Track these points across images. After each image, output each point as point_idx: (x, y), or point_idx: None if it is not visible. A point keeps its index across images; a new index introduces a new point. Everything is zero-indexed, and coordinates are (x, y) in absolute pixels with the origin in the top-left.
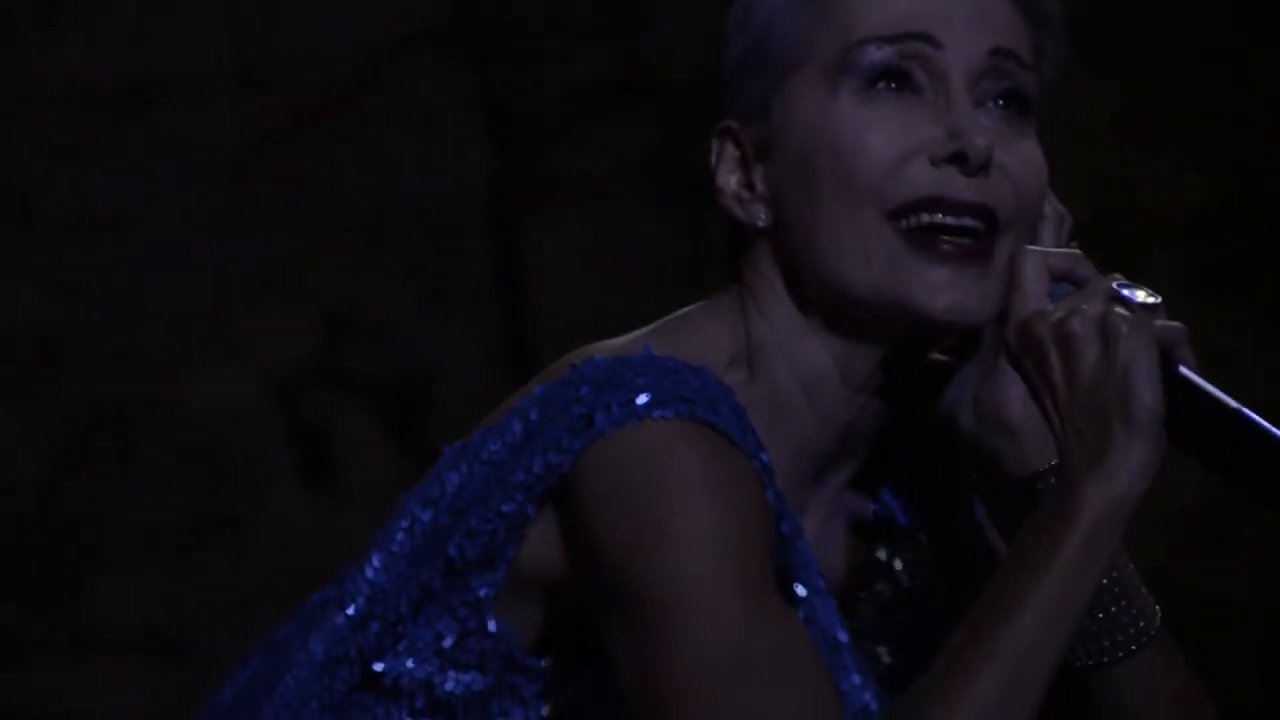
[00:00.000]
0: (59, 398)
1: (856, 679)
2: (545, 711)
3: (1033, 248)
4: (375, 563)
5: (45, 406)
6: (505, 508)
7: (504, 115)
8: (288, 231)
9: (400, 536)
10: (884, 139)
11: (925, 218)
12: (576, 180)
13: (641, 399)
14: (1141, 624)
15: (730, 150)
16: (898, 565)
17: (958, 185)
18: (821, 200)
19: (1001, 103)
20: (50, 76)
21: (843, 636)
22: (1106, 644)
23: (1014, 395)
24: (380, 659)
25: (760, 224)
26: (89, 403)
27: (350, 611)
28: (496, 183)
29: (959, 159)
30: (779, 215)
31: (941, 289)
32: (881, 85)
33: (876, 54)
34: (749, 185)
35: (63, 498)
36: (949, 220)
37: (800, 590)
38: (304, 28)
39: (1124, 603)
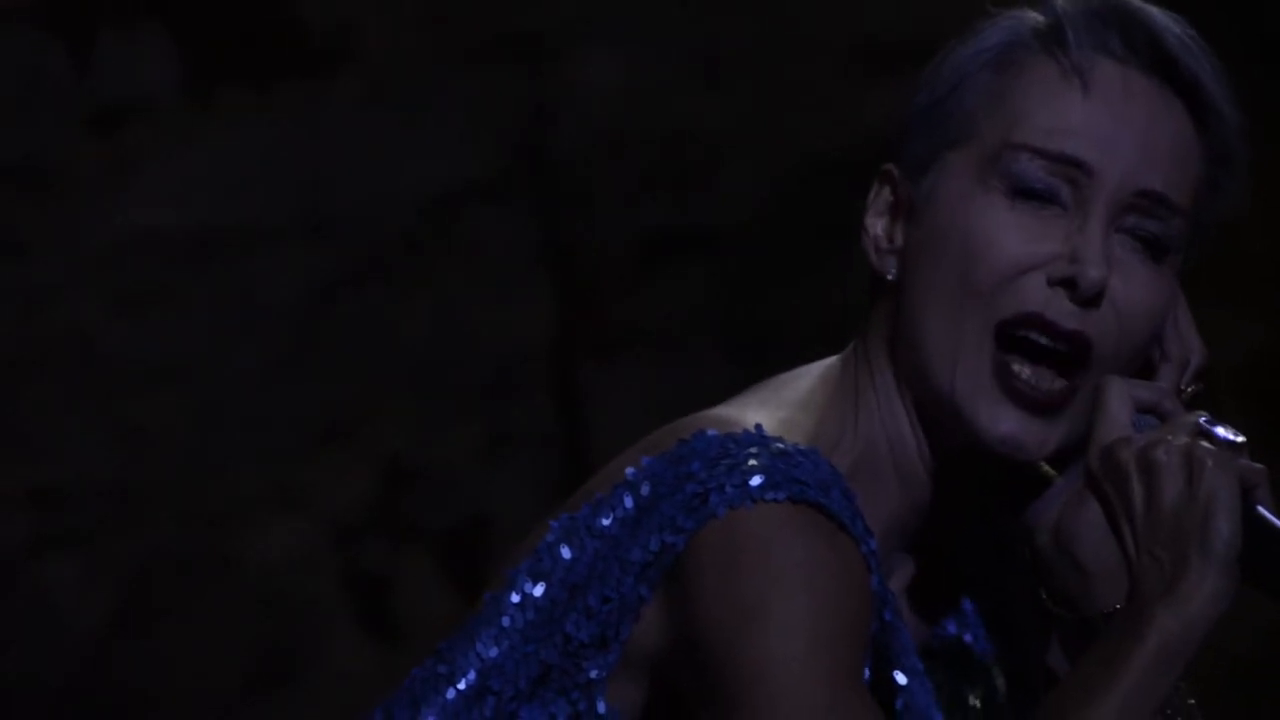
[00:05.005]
0: (120, 545)
1: None
2: None
3: (1118, 377)
4: (485, 636)
5: (106, 554)
6: (623, 587)
7: (566, 264)
8: (350, 379)
9: (512, 611)
10: (1012, 246)
11: (1021, 333)
12: (638, 329)
13: (755, 480)
14: None
15: (885, 195)
16: (967, 638)
17: (1062, 310)
18: (939, 285)
19: (1137, 243)
20: (117, 226)
21: (938, 718)
22: None
23: (1091, 533)
24: None
25: (890, 277)
26: (150, 551)
27: (461, 686)
28: (558, 330)
29: (1070, 284)
30: (905, 278)
31: (1006, 419)
32: (1026, 196)
33: (1029, 167)
34: (890, 236)
35: (123, 646)
36: (1042, 340)
37: (901, 679)
38: (368, 177)
39: None
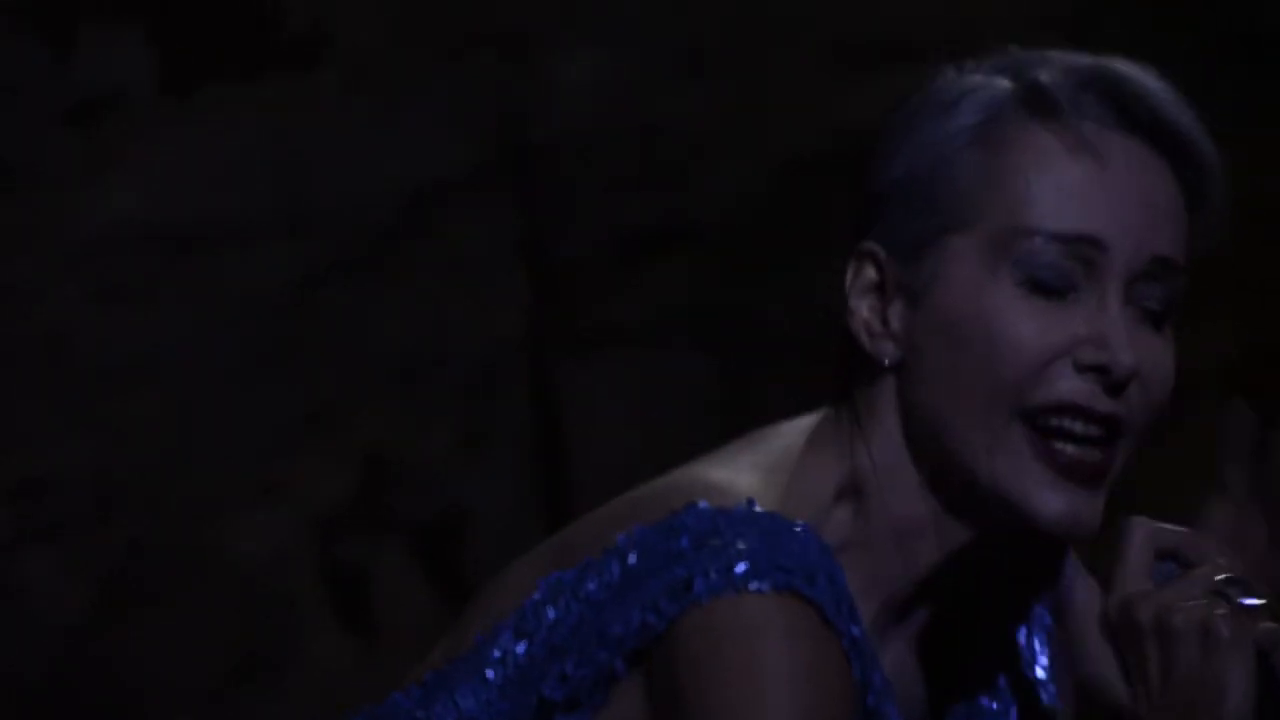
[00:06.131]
0: (99, 540)
1: None
2: None
3: (1142, 519)
4: (464, 688)
5: (85, 549)
6: (599, 659)
7: (544, 260)
8: (328, 374)
9: (493, 664)
10: (1034, 338)
11: (1055, 421)
12: (616, 326)
13: (740, 568)
14: None
15: (869, 275)
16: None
17: (1095, 395)
18: (959, 377)
19: (1146, 312)
20: (93, 220)
21: None
22: None
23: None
24: None
25: (888, 363)
26: (129, 545)
27: None
28: (536, 327)
29: (1103, 370)
30: (911, 364)
31: (1057, 499)
32: (1042, 289)
33: (1044, 253)
34: (883, 319)
35: (101, 641)
36: (1076, 427)
37: None
38: (347, 171)
39: None
